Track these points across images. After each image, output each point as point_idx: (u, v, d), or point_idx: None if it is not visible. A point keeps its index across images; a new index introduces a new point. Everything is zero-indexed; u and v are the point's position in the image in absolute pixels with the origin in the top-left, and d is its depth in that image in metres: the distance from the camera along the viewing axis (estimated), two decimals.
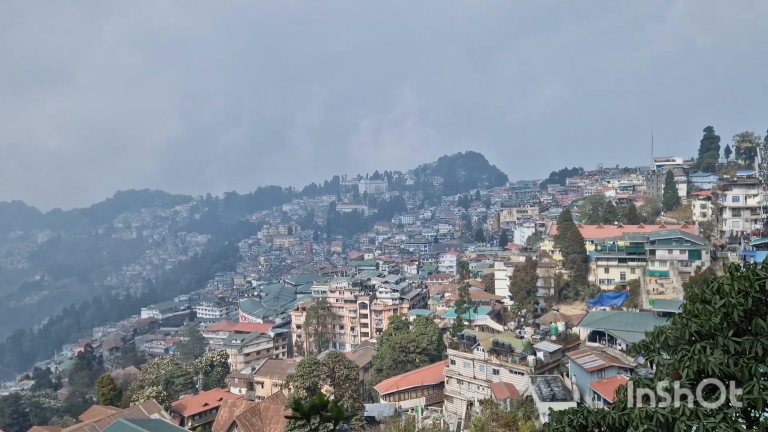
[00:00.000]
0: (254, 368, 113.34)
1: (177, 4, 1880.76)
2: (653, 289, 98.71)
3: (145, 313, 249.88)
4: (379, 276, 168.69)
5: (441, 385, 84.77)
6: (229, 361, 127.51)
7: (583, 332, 78.98)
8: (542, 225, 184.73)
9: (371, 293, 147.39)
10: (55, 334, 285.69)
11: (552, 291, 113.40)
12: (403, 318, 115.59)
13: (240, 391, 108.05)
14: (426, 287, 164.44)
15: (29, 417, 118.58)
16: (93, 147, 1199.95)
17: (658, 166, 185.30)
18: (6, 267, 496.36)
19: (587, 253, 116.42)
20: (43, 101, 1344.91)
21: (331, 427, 5.77)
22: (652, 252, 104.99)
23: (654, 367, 10.28)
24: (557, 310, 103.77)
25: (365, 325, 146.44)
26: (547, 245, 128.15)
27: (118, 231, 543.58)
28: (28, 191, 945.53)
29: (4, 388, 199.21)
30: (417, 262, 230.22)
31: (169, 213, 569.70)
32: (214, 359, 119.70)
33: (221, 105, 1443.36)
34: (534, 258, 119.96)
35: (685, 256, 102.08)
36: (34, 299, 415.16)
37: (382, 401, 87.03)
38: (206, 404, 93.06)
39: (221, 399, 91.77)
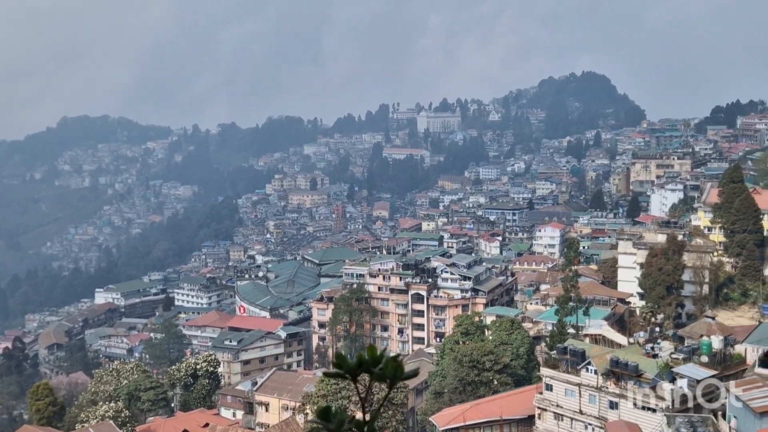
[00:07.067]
0: (256, 382, 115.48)
1: None
2: None
3: (101, 297, 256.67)
4: (443, 255, 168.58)
5: (530, 420, 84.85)
6: (220, 370, 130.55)
7: (750, 352, 77.51)
8: (695, 187, 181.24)
9: (430, 280, 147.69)
10: None
11: (706, 288, 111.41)
12: (477, 319, 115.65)
13: (234, 414, 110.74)
14: (513, 275, 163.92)
15: None
16: (30, 49, 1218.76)
17: None
18: None
19: (764, 233, 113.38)
20: None
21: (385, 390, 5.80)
22: None
23: None
24: (713, 318, 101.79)
25: (420, 326, 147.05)
26: (701, 219, 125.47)
27: (64, 176, 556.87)
28: None
29: None
30: (501, 237, 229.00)
31: (137, 152, 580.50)
32: (198, 367, 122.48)
33: None
34: (681, 237, 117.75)
35: None
36: None
37: None
38: (185, 431, 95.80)
39: (207, 425, 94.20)
